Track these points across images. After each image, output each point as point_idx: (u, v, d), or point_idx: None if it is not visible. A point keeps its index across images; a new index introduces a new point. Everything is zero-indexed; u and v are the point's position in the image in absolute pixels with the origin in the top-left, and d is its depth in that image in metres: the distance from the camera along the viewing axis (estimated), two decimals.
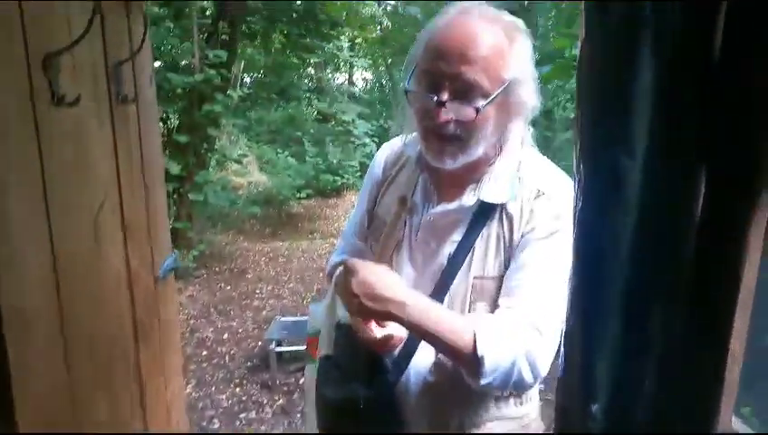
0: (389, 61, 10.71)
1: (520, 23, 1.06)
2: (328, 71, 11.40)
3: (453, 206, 1.08)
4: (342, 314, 1.16)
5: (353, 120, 9.71)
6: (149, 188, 1.39)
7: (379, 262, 1.12)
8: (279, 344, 3.85)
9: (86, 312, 1.05)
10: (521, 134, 1.09)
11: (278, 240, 7.57)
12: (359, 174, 9.41)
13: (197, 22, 5.39)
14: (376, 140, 9.63)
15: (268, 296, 5.43)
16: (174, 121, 6.01)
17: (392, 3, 11.82)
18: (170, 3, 4.40)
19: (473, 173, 1.08)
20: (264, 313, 5.01)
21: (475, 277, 1.06)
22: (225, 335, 4.55)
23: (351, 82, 13.36)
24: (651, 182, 0.67)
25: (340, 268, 1.22)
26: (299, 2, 6.18)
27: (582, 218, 0.76)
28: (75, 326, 0.99)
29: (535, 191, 1.06)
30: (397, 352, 1.08)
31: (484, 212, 1.06)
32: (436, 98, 0.98)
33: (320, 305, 1.28)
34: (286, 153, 10.30)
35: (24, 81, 0.85)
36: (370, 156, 8.76)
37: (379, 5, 9.39)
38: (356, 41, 10.80)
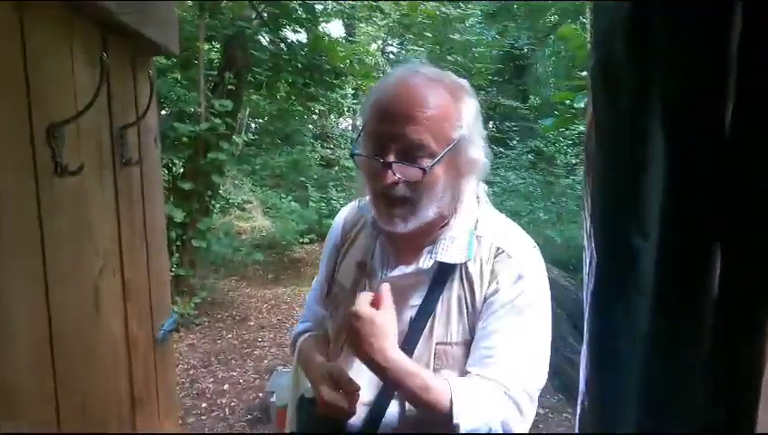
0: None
1: (464, 83, 1.07)
2: (331, 116, 11.57)
3: (410, 269, 1.06)
4: (305, 385, 1.13)
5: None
6: (151, 249, 1.38)
7: (338, 333, 1.11)
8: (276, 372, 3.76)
9: (82, 380, 1.02)
10: (475, 192, 1.10)
11: (281, 286, 7.52)
12: None
13: (204, 72, 5.49)
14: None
15: (270, 345, 5.35)
16: (179, 169, 6.05)
17: (394, 50, 12.10)
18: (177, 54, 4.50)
19: (429, 235, 1.07)
20: (265, 362, 4.92)
21: (438, 343, 1.02)
22: (226, 386, 4.45)
23: (355, 128, 13.53)
24: (665, 260, 0.65)
25: (302, 338, 1.24)
26: (303, 52, 6.30)
27: (595, 297, 0.73)
28: (70, 396, 0.96)
29: (495, 250, 1.04)
30: (361, 421, 1.04)
31: (444, 274, 1.04)
32: (382, 160, 0.98)
33: (285, 376, 1.27)
34: (290, 198, 10.34)
35: (28, 151, 0.85)
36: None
37: (383, 55, 9.61)
38: (360, 88, 11.01)
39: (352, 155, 1.06)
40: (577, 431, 0.73)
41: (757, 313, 0.55)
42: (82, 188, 1.01)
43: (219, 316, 6.05)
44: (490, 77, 11.23)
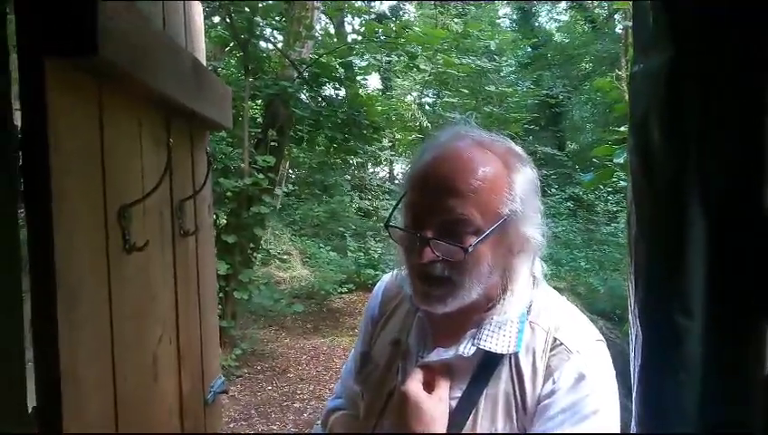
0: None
1: (520, 150, 0.95)
2: (368, 167, 11.79)
3: (449, 354, 0.92)
4: None
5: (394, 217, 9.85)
6: (203, 313, 1.44)
7: (369, 414, 1.01)
8: None
9: None
10: (529, 272, 0.95)
11: (319, 336, 7.52)
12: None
13: (248, 129, 5.72)
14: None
15: (309, 397, 5.33)
16: (222, 221, 6.24)
17: (430, 102, 12.33)
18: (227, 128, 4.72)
19: (473, 317, 0.93)
20: (305, 415, 4.90)
21: None
22: None
23: (392, 177, 13.70)
24: (711, 340, 0.66)
25: (334, 416, 1.14)
26: (342, 109, 6.51)
27: (642, 374, 0.74)
28: None
29: (551, 341, 0.90)
30: None
31: (489, 364, 0.90)
32: (418, 235, 0.87)
33: None
34: (328, 247, 10.45)
35: (101, 232, 0.92)
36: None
37: (419, 107, 9.80)
38: (396, 139, 11.22)
39: (387, 226, 0.95)
40: None
41: None
42: (147, 262, 1.08)
43: (259, 368, 6.07)
44: (525, 125, 11.30)
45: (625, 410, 0.87)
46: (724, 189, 0.65)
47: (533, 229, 0.91)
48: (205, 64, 1.40)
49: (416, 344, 0.99)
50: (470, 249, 0.85)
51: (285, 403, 5.18)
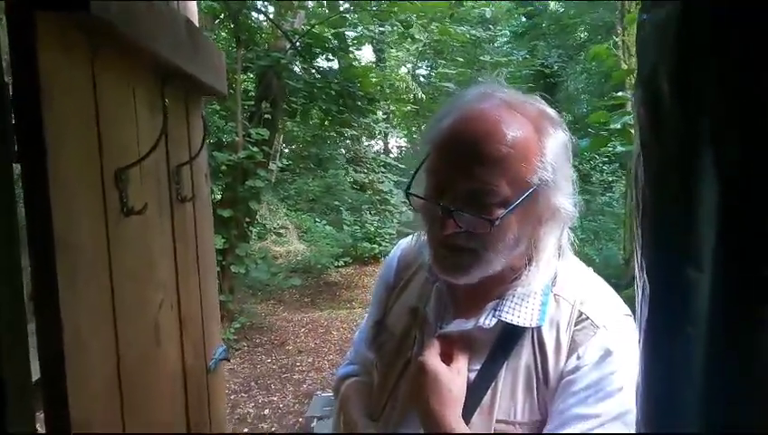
0: (423, 129, 10.96)
1: (553, 113, 0.88)
2: (363, 140, 11.75)
3: (469, 324, 0.88)
4: None
5: (390, 190, 9.87)
6: (203, 281, 1.43)
7: (383, 384, 0.98)
8: (320, 421, 3.77)
9: (145, 414, 1.06)
10: (556, 242, 0.89)
11: (317, 309, 7.58)
12: (396, 241, 9.48)
13: (241, 102, 5.66)
14: (412, 208, 9.74)
15: (308, 369, 5.40)
16: (217, 196, 6.22)
17: (424, 74, 12.21)
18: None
19: (496, 288, 0.89)
20: (304, 386, 4.96)
21: (498, 420, 0.84)
22: (266, 411, 4.50)
23: (387, 150, 13.66)
24: (721, 294, 0.66)
25: (346, 383, 1.11)
26: (336, 80, 6.45)
27: (648, 327, 0.74)
28: (135, 426, 1.00)
29: (577, 315, 0.86)
30: None
31: (511, 337, 0.86)
32: (441, 204, 0.81)
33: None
34: (324, 222, 10.47)
35: (98, 195, 0.91)
36: (407, 223, 8.83)
37: (413, 79, 9.72)
38: (391, 111, 11.14)
39: (407, 194, 0.88)
40: None
41: None
42: (145, 226, 1.07)
43: (258, 341, 6.13)
44: None
45: None
46: (737, 144, 0.64)
47: (565, 199, 0.85)
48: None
49: (434, 314, 0.94)
50: (497, 222, 0.79)
51: (285, 375, 5.24)
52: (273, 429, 4.21)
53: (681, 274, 0.67)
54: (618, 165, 9.75)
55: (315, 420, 3.70)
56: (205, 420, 1.40)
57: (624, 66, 4.25)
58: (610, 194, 9.77)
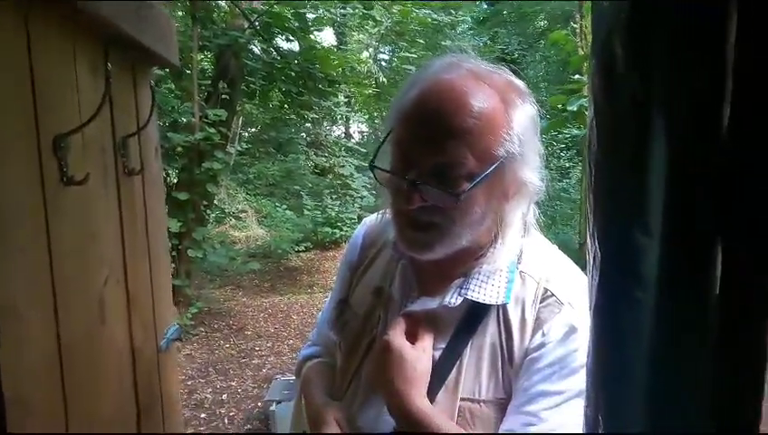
0: (384, 114, 10.92)
1: (520, 84, 0.86)
2: (324, 124, 11.64)
3: (435, 303, 0.86)
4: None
5: (351, 174, 9.82)
6: (153, 258, 1.38)
7: (347, 365, 0.97)
8: (280, 405, 3.75)
9: (88, 392, 1.02)
10: (522, 218, 0.88)
11: (277, 294, 7.51)
12: (357, 226, 9.47)
13: (197, 82, 5.51)
14: (374, 193, 9.74)
15: (268, 354, 5.34)
16: (173, 179, 6.05)
17: (386, 57, 12.14)
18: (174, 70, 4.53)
19: (460, 265, 0.87)
20: (263, 371, 4.91)
21: (463, 399, 0.84)
22: (224, 396, 4.44)
23: (348, 135, 13.57)
24: (669, 258, 0.66)
25: (308, 364, 1.10)
26: (296, 61, 6.34)
27: (599, 294, 0.75)
28: (77, 408, 0.96)
29: (542, 292, 0.85)
30: None
31: (476, 315, 0.85)
32: (406, 178, 0.79)
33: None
34: (284, 206, 10.35)
35: (35, 162, 0.85)
36: (369, 208, 8.82)
37: (375, 63, 9.65)
38: (352, 96, 11.07)
39: (371, 167, 0.86)
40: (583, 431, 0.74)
41: (757, 311, 0.57)
42: (87, 198, 1.02)
43: (216, 326, 6.03)
44: None
45: None
46: (686, 108, 0.65)
47: (531, 172, 0.83)
48: None
49: (399, 293, 0.93)
50: (462, 196, 0.78)
51: (243, 360, 5.18)
52: (231, 413, 4.16)
53: (630, 239, 0.68)
54: (575, 151, 9.96)
55: (274, 403, 3.67)
56: (156, 401, 1.36)
57: (581, 52, 4.32)
58: (567, 180, 9.98)
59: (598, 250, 0.76)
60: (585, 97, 2.91)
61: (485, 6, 13.78)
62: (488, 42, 12.49)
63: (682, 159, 0.65)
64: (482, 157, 0.78)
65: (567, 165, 10.33)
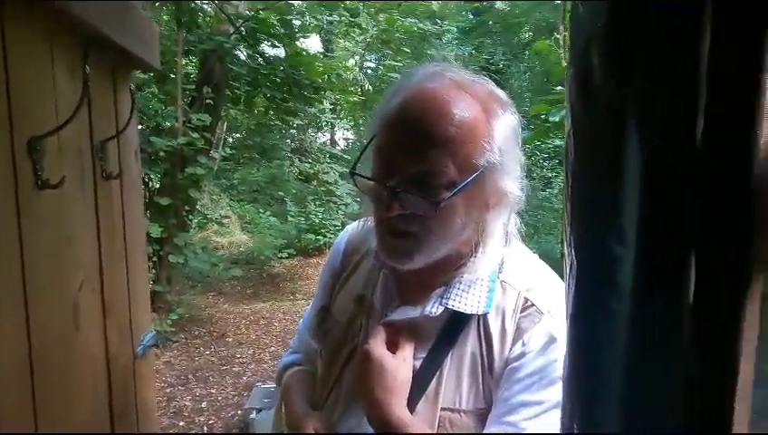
0: (370, 122, 10.90)
1: (502, 94, 0.86)
2: (309, 131, 11.62)
3: (416, 312, 0.86)
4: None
5: (336, 181, 9.81)
6: (131, 264, 1.36)
7: (328, 373, 0.96)
8: (260, 413, 3.71)
9: (61, 398, 1.00)
10: (503, 227, 0.88)
11: (259, 301, 7.45)
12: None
13: (181, 87, 5.47)
14: (358, 200, 9.72)
15: (249, 361, 5.29)
16: (155, 184, 5.99)
17: (372, 66, 12.19)
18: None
19: (441, 275, 0.87)
20: (244, 379, 4.86)
21: (443, 409, 0.83)
22: (204, 404, 4.38)
23: (333, 142, 13.57)
24: (643, 268, 0.67)
25: (289, 372, 1.09)
26: (282, 67, 6.33)
27: (575, 304, 0.75)
28: (48, 413, 0.94)
29: (522, 302, 0.85)
30: None
31: (456, 325, 0.85)
32: (386, 185, 0.79)
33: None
34: (268, 213, 10.30)
35: (8, 164, 0.84)
36: (353, 215, 8.81)
37: (361, 70, 9.68)
38: (338, 103, 11.08)
39: (352, 174, 0.86)
40: None
41: (730, 317, 0.57)
42: (63, 202, 1.00)
43: (197, 333, 5.96)
44: None
45: None
46: (661, 118, 0.65)
47: (512, 182, 0.83)
48: None
49: (380, 302, 0.93)
50: (442, 204, 0.77)
51: (224, 367, 5.12)
52: (210, 422, 4.10)
53: (606, 249, 0.68)
54: (557, 161, 10.05)
55: (255, 411, 3.63)
56: (130, 408, 1.33)
57: (564, 63, 4.37)
58: (550, 190, 10.06)
59: (574, 259, 0.77)
60: None
61: (471, 17, 13.89)
62: (473, 52, 12.58)
63: (656, 167, 0.66)
64: (462, 166, 0.78)
65: (549, 175, 10.42)
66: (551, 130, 3.09)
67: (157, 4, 6.74)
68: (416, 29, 8.63)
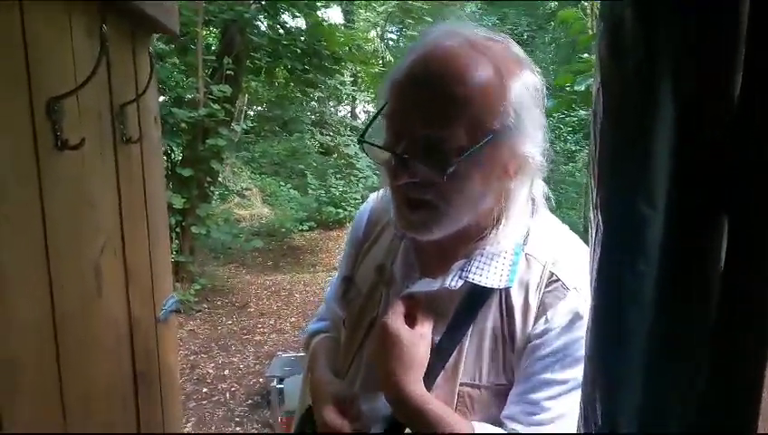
0: None
1: (520, 52, 0.81)
2: (330, 103, 11.56)
3: (436, 284, 0.83)
4: None
5: (356, 154, 9.79)
6: (152, 229, 1.37)
7: (350, 342, 0.96)
8: (281, 381, 3.77)
9: (84, 361, 1.01)
10: (528, 197, 0.84)
11: (280, 273, 7.53)
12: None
13: (202, 57, 5.46)
14: (377, 173, 9.70)
15: (270, 331, 5.38)
16: (177, 155, 6.04)
17: (393, 38, 12.01)
18: (175, 39, 4.49)
19: (462, 246, 0.84)
20: (265, 347, 4.95)
21: (463, 384, 0.81)
22: (226, 371, 4.47)
23: (354, 115, 13.50)
24: (672, 230, 0.64)
25: (316, 339, 1.10)
26: (302, 38, 6.27)
27: (601, 266, 0.73)
28: (72, 377, 0.95)
29: (548, 276, 0.81)
30: None
31: (478, 298, 0.82)
32: (395, 153, 0.76)
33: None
34: (289, 186, 10.35)
35: (28, 125, 0.84)
36: (373, 188, 8.80)
37: (382, 42, 9.55)
38: (358, 75, 10.98)
39: (360, 141, 0.83)
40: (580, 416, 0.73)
41: (759, 286, 0.55)
42: (83, 165, 1.00)
43: (219, 303, 6.07)
44: None
45: None
46: (696, 76, 0.62)
47: (533, 147, 0.78)
48: None
49: (401, 272, 0.90)
50: (449, 171, 0.73)
51: (246, 337, 5.21)
52: (232, 389, 4.19)
53: (635, 210, 0.66)
54: (581, 135, 9.86)
55: (276, 379, 3.69)
56: (153, 371, 1.36)
57: (591, 32, 4.24)
58: (573, 163, 9.90)
59: (600, 223, 0.74)
60: (592, 76, 2.86)
61: None
62: (497, 22, 12.31)
63: (688, 128, 0.62)
64: (473, 129, 0.74)
65: (573, 148, 10.24)
66: (575, 101, 3.01)
67: None
68: None
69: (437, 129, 0.74)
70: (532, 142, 0.78)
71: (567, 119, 9.66)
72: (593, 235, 0.77)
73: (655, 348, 0.65)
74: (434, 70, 0.75)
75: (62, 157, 0.91)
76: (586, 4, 4.16)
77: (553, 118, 9.85)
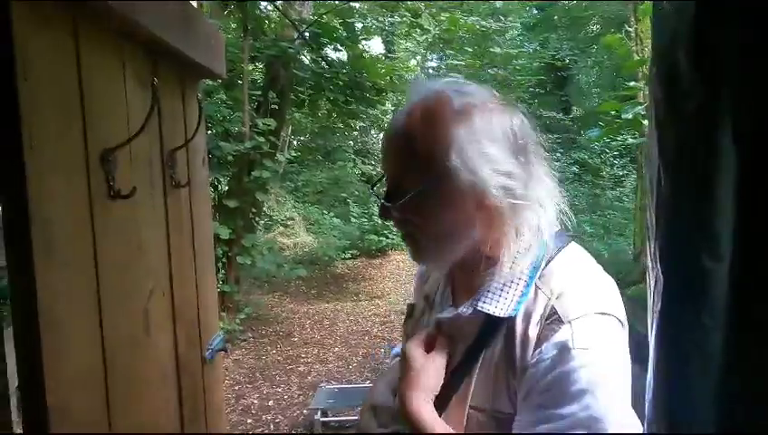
0: None
1: (477, 98, 0.85)
2: (372, 132, 11.68)
3: (453, 312, 0.89)
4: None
5: None
6: (199, 269, 1.39)
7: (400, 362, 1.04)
8: (324, 414, 3.75)
9: (133, 402, 1.03)
10: (525, 225, 0.85)
11: (323, 301, 7.56)
12: None
13: (248, 92, 5.62)
14: None
15: (314, 361, 5.37)
16: (224, 187, 6.19)
17: (434, 66, 12.10)
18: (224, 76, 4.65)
19: (476, 276, 0.88)
20: (309, 378, 4.94)
21: (471, 407, 0.85)
22: (271, 402, 4.48)
23: None
24: (738, 284, 0.60)
25: (394, 361, 1.15)
26: (345, 70, 6.39)
27: (663, 319, 0.69)
28: (121, 418, 0.97)
29: (549, 309, 0.82)
30: None
31: (489, 326, 0.86)
32: (377, 195, 0.91)
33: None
34: (332, 214, 10.44)
35: (83, 176, 0.87)
36: None
37: (423, 70, 9.63)
38: (400, 104, 11.08)
39: (373, 187, 1.02)
40: None
41: None
42: (134, 211, 1.03)
43: (263, 332, 6.11)
44: (531, 89, 11.09)
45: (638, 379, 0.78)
46: (757, 122, 0.58)
47: (491, 181, 0.80)
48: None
49: (439, 300, 0.99)
50: (393, 209, 0.85)
51: (290, 366, 5.22)
52: (276, 420, 4.19)
53: (697, 264, 0.62)
54: (628, 159, 9.63)
55: (319, 412, 3.67)
56: (199, 410, 1.36)
57: (636, 57, 4.16)
58: (621, 188, 9.66)
59: (660, 274, 0.70)
60: (641, 104, 2.78)
61: (535, 12, 13.54)
62: (538, 48, 12.26)
63: (754, 176, 0.59)
64: (423, 172, 0.82)
65: (620, 173, 10.01)
66: (622, 127, 2.94)
67: (225, 12, 6.97)
68: (478, 27, 8.50)
69: (393, 175, 0.87)
70: (489, 177, 0.81)
71: (613, 143, 9.47)
72: (651, 284, 0.74)
73: (720, 403, 0.61)
74: (392, 126, 0.87)
75: (114, 205, 0.94)
76: (630, 29, 4.09)
77: (599, 143, 9.66)
